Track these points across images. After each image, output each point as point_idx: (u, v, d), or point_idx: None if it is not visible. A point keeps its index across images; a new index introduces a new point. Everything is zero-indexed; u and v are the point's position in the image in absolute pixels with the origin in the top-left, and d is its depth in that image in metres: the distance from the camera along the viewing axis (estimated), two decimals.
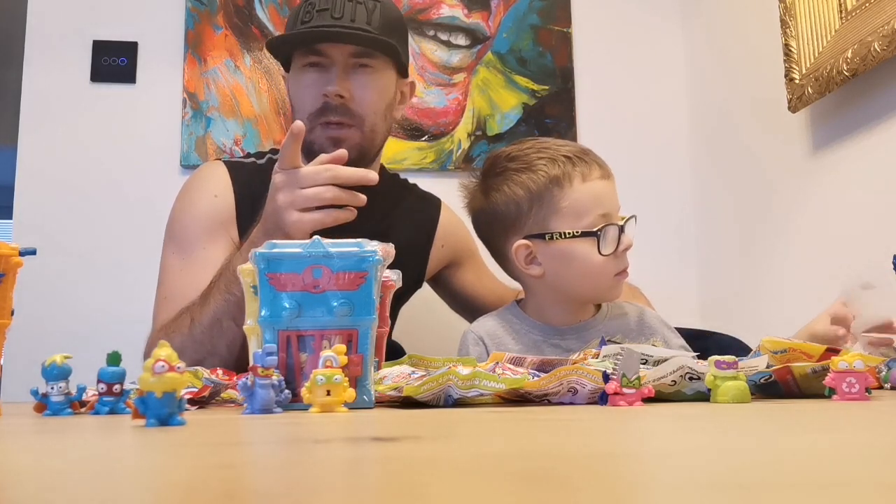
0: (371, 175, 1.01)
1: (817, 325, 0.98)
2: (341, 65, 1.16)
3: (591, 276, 1.04)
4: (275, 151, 1.29)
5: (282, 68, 1.27)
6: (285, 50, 1.22)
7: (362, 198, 1.00)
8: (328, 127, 1.16)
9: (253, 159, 1.29)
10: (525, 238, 1.05)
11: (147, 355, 1.06)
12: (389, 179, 1.34)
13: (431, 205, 1.37)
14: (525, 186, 1.05)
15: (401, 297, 1.30)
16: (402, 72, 1.24)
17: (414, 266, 1.30)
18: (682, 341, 1.11)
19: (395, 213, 1.29)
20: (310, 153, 1.15)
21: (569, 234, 1.03)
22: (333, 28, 1.14)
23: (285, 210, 0.98)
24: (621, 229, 1.04)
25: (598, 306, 1.12)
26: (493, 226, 1.10)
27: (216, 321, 1.03)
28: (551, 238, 1.03)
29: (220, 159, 1.34)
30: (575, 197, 1.04)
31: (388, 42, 1.16)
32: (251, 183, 1.21)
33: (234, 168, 1.25)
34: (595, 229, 1.02)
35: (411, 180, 1.42)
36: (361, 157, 1.20)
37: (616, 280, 1.05)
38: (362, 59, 1.17)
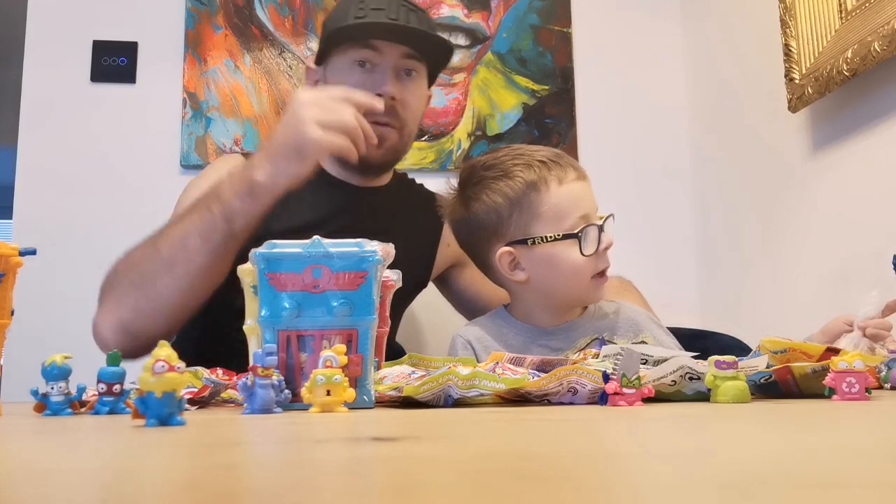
0: (378, 105, 1.03)
1: (828, 325, 0.99)
2: (392, 66, 1.17)
3: (576, 277, 1.04)
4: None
5: (306, 61, 1.27)
6: (336, 40, 1.19)
7: (373, 138, 1.02)
8: (372, 126, 1.15)
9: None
10: (508, 245, 1.05)
11: (103, 288, 1.08)
12: (397, 178, 1.33)
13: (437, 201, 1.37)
14: (503, 193, 1.05)
15: (406, 296, 1.30)
16: (430, 81, 1.26)
17: (420, 264, 1.30)
18: (672, 339, 1.11)
19: (403, 212, 1.29)
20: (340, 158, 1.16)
21: (551, 237, 1.03)
22: (388, 26, 1.14)
23: (308, 125, 0.96)
24: (600, 229, 1.04)
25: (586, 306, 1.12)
26: (475, 235, 1.10)
27: (184, 236, 1.01)
28: (534, 243, 1.04)
29: (236, 153, 1.33)
30: (554, 201, 1.04)
31: (448, 45, 1.19)
32: None
33: (247, 155, 1.24)
34: (576, 231, 1.03)
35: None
36: (394, 160, 1.22)
37: (597, 281, 1.05)
38: (410, 63, 1.18)
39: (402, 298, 1.29)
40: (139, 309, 1.03)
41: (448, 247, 1.34)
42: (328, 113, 0.98)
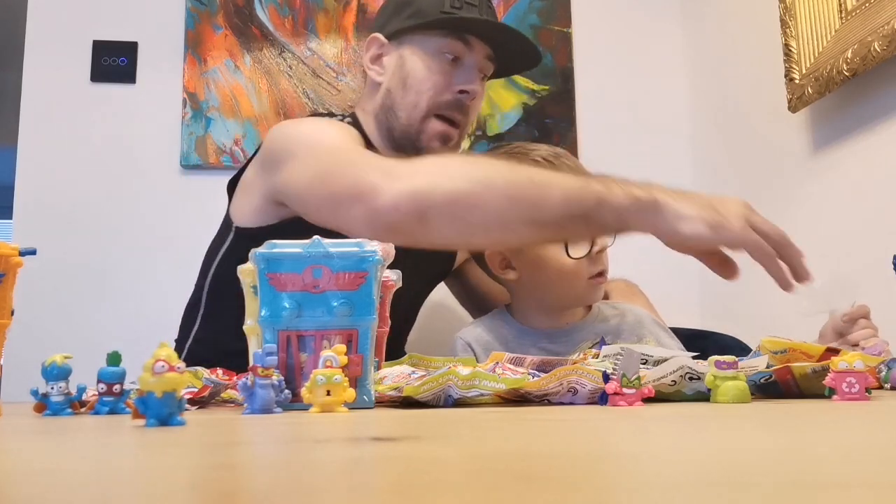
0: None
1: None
2: (477, 65, 1.16)
3: (565, 279, 1.04)
4: (343, 116, 1.22)
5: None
6: (430, 24, 1.14)
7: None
8: (443, 121, 1.14)
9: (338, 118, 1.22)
10: None
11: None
12: None
13: None
14: None
15: (428, 283, 1.29)
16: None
17: (442, 257, 1.29)
18: (677, 342, 1.11)
19: None
20: (416, 141, 1.13)
21: None
22: (486, 24, 1.14)
23: (738, 218, 0.87)
24: None
25: (589, 308, 1.12)
26: None
27: (548, 181, 0.87)
28: None
29: (327, 116, 1.24)
30: None
31: (538, 56, 1.19)
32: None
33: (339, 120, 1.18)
34: None
35: None
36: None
37: (592, 283, 1.05)
38: (488, 66, 1.18)
39: (421, 292, 1.28)
40: (456, 204, 0.88)
41: None
42: (759, 223, 0.88)
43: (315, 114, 1.27)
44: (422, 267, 1.18)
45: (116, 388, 0.61)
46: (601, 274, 1.05)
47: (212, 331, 1.17)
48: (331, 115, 1.27)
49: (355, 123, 1.18)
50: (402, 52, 1.16)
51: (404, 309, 1.24)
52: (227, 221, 1.19)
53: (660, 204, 0.86)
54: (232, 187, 1.21)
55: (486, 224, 0.88)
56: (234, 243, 1.15)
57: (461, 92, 1.12)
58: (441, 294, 1.45)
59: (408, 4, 1.18)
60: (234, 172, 1.22)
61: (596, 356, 0.73)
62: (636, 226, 0.87)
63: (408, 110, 1.14)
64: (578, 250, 1.02)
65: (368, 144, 1.13)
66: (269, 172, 1.08)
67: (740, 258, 0.92)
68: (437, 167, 0.92)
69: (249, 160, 1.19)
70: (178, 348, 1.21)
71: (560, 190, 0.86)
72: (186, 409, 0.55)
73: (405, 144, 1.14)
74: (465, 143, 1.81)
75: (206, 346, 1.16)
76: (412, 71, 1.15)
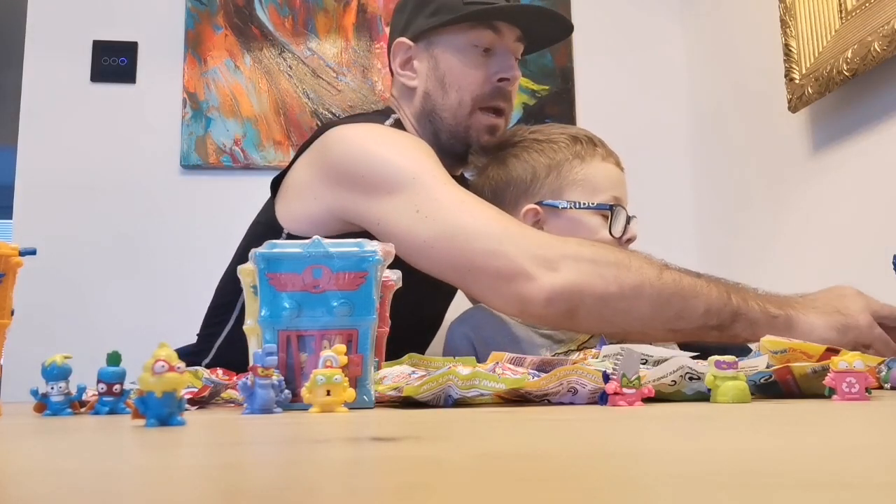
0: None
1: None
2: (511, 49, 1.14)
3: None
4: (384, 114, 1.19)
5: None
6: (455, 18, 1.12)
7: None
8: (488, 113, 1.13)
9: (384, 121, 1.18)
10: (536, 204, 1.05)
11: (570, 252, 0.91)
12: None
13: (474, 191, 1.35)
14: (546, 154, 1.06)
15: (449, 299, 1.27)
16: None
17: None
18: (675, 349, 1.11)
19: None
20: (466, 138, 1.13)
21: (584, 204, 1.03)
22: (522, 7, 1.14)
23: (863, 313, 0.91)
24: (629, 219, 1.04)
25: None
26: (503, 193, 1.09)
27: (694, 294, 0.90)
28: (565, 207, 1.03)
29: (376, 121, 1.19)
30: (593, 172, 1.04)
31: (572, 27, 1.19)
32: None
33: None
34: (610, 205, 1.02)
35: None
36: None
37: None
38: (520, 47, 1.16)
39: (447, 296, 1.25)
40: (606, 306, 0.91)
41: None
42: (886, 310, 0.92)
43: (361, 114, 1.24)
44: None
45: (116, 388, 0.61)
46: None
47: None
48: (378, 113, 1.22)
49: (398, 126, 1.15)
50: (433, 53, 1.14)
51: (436, 307, 1.24)
52: (272, 224, 1.12)
53: (792, 321, 0.90)
54: (275, 184, 1.15)
55: (629, 326, 0.92)
56: None
57: (501, 80, 1.12)
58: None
59: (427, 3, 1.16)
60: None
61: (596, 356, 0.73)
62: (763, 328, 0.90)
63: (452, 110, 1.13)
64: (617, 229, 1.03)
65: None
66: (343, 190, 1.02)
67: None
68: (588, 259, 0.92)
69: (295, 158, 1.13)
70: (204, 347, 1.17)
71: (703, 302, 0.90)
72: (186, 409, 0.55)
73: (453, 144, 1.13)
74: None
75: (239, 348, 1.15)
76: (448, 70, 1.13)
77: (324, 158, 1.07)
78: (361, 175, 1.01)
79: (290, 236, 1.10)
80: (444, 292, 1.21)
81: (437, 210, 0.95)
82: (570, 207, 1.02)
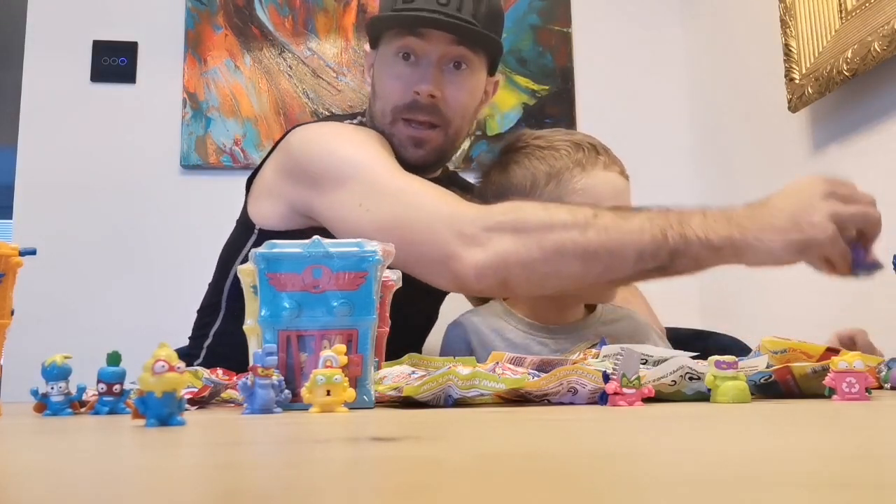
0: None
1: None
2: (436, 59, 1.08)
3: None
4: (352, 116, 1.20)
5: (367, 46, 1.18)
6: (379, 27, 1.13)
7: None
8: (411, 125, 1.09)
9: (348, 121, 1.20)
10: None
11: (499, 220, 0.91)
12: (445, 175, 1.28)
13: (473, 194, 1.34)
14: (547, 162, 1.04)
15: (441, 296, 1.27)
16: (492, 70, 1.18)
17: None
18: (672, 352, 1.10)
19: None
20: (393, 147, 1.10)
21: None
22: (437, 14, 1.05)
23: (824, 221, 0.83)
24: None
25: (593, 309, 1.11)
26: (503, 199, 1.08)
27: (621, 243, 0.87)
28: None
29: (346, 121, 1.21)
30: (593, 182, 1.03)
31: (495, 39, 1.10)
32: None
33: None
34: None
35: None
36: (440, 161, 1.15)
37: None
38: (459, 55, 1.09)
39: (438, 298, 1.25)
40: (533, 271, 0.91)
41: None
42: (849, 210, 0.85)
43: (331, 116, 1.24)
44: None
45: (116, 388, 0.61)
46: None
47: (234, 333, 1.17)
48: (348, 116, 1.24)
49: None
50: (376, 62, 1.15)
51: (427, 308, 1.23)
52: (246, 222, 1.15)
53: (740, 249, 0.86)
54: (248, 184, 1.18)
55: (562, 286, 0.93)
56: (257, 245, 1.13)
57: (417, 93, 1.07)
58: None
59: (380, 8, 1.17)
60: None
61: (596, 356, 0.73)
62: (718, 266, 0.88)
63: (379, 119, 1.12)
64: None
65: None
66: (299, 185, 1.05)
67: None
68: (510, 228, 0.92)
69: (266, 158, 1.15)
70: (194, 349, 1.18)
71: (634, 250, 0.87)
72: (186, 409, 0.55)
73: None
74: (465, 144, 1.81)
75: (229, 347, 1.16)
76: (377, 78, 1.14)
77: (286, 156, 1.10)
78: (313, 170, 1.04)
79: (262, 233, 1.11)
80: (433, 292, 1.21)
81: (377, 203, 0.97)
82: None
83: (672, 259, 0.87)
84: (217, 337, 1.18)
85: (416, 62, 1.09)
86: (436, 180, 1.19)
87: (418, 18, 1.07)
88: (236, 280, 1.16)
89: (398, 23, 1.09)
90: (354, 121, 1.18)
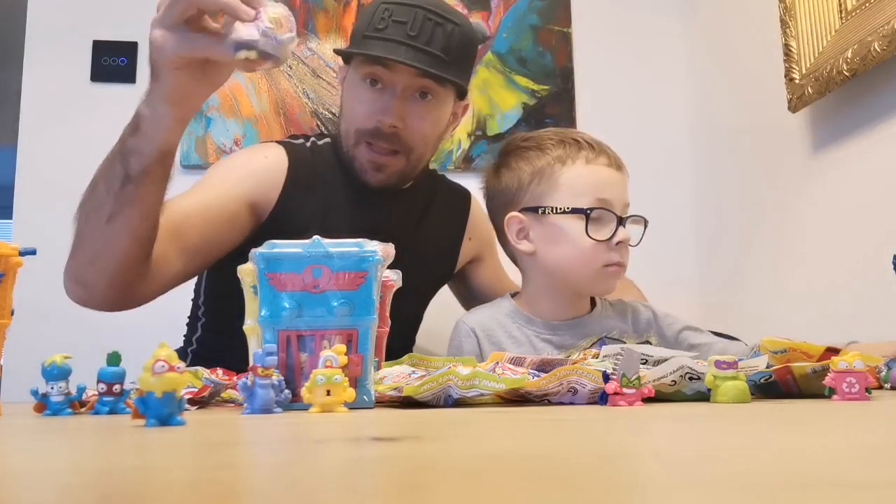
0: (244, 12, 0.81)
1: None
2: (401, 88, 1.08)
3: (580, 260, 1.03)
4: (320, 136, 1.23)
5: (340, 59, 1.18)
6: (347, 56, 1.14)
7: (249, 13, 0.80)
8: (372, 150, 1.10)
9: (301, 140, 1.22)
10: (519, 211, 1.06)
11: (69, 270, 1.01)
12: (428, 175, 1.28)
13: (462, 197, 1.34)
14: (531, 162, 1.06)
15: (430, 290, 1.28)
16: (462, 96, 1.18)
17: (446, 259, 1.29)
18: (679, 325, 1.10)
19: (431, 208, 1.26)
20: (350, 169, 1.13)
21: (559, 209, 1.03)
22: (405, 46, 1.05)
23: (150, 33, 0.89)
24: (621, 221, 1.03)
25: (594, 303, 1.12)
26: (496, 201, 1.11)
27: (94, 183, 0.95)
28: (543, 212, 1.04)
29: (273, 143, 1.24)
30: (574, 175, 1.04)
31: (455, 81, 1.09)
32: (307, 161, 1.16)
33: (289, 146, 1.18)
34: (586, 209, 1.02)
35: None
36: (399, 183, 1.16)
37: (606, 272, 1.03)
38: (424, 86, 1.09)
39: (426, 293, 1.28)
40: (80, 256, 1.00)
41: (470, 241, 1.32)
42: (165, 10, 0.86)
43: (292, 136, 1.27)
44: (425, 268, 1.18)
45: (116, 388, 0.61)
46: (618, 265, 1.04)
47: (214, 343, 1.19)
48: (318, 135, 1.26)
49: (313, 147, 1.19)
50: (346, 78, 1.15)
51: (411, 309, 1.24)
52: None
53: (141, 114, 0.92)
54: None
55: (104, 268, 0.99)
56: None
57: (381, 122, 1.08)
58: (447, 293, 1.45)
59: (353, 31, 1.17)
60: None
61: (596, 356, 0.73)
62: (145, 138, 0.92)
63: (344, 138, 1.13)
64: (598, 232, 1.02)
65: (332, 168, 1.15)
66: None
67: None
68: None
69: None
70: (183, 351, 1.22)
71: (101, 181, 0.94)
72: (186, 409, 0.55)
73: (348, 171, 1.14)
74: (466, 144, 1.81)
75: (211, 349, 1.17)
76: (345, 97, 1.15)
77: None
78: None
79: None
80: (420, 291, 1.22)
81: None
82: (547, 212, 1.03)
83: (124, 164, 0.94)
84: (200, 337, 1.20)
85: (382, 89, 1.09)
86: (419, 184, 1.22)
87: (381, 58, 1.07)
88: (210, 290, 1.19)
89: (364, 57, 1.09)
90: (308, 142, 1.21)
